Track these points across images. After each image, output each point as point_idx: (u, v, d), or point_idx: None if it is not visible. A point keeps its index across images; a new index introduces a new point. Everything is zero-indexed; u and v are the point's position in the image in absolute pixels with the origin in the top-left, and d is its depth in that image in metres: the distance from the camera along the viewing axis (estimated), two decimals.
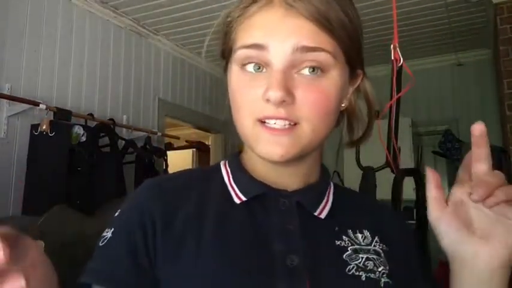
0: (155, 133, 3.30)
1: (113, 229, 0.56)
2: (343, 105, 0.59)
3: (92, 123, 2.68)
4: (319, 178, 0.62)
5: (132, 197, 0.59)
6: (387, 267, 0.56)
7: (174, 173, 0.64)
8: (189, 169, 0.66)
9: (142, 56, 3.41)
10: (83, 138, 2.50)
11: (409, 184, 2.43)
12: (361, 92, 0.62)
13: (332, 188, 0.64)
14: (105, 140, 2.73)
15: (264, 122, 0.52)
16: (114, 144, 2.75)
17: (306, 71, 0.52)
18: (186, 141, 5.15)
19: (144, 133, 3.17)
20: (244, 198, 0.57)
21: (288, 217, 0.56)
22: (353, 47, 0.55)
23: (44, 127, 2.34)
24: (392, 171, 1.62)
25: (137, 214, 0.55)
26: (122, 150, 2.86)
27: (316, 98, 0.51)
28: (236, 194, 0.58)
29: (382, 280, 0.55)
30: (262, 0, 0.53)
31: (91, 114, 2.77)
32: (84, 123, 2.62)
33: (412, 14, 3.13)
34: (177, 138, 3.99)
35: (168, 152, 3.46)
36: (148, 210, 0.55)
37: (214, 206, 0.57)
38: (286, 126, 0.52)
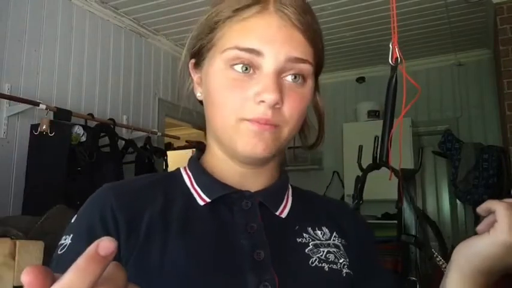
0: (155, 133, 3.30)
1: (71, 235, 0.54)
2: None
3: (92, 123, 2.69)
4: (278, 180, 0.64)
5: (90, 202, 0.57)
6: (347, 259, 0.60)
7: (131, 178, 0.64)
8: (147, 174, 0.65)
9: (142, 56, 3.41)
10: (83, 138, 2.50)
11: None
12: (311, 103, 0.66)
13: (290, 190, 0.67)
14: (105, 140, 2.74)
15: (249, 121, 0.54)
16: (114, 144, 2.75)
17: (290, 78, 0.56)
18: (186, 141, 5.14)
19: (144, 133, 3.17)
20: (208, 200, 0.58)
21: (251, 216, 0.58)
22: (322, 60, 0.60)
23: (44, 127, 2.34)
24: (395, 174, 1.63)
25: (98, 218, 0.54)
26: (122, 150, 2.86)
27: (298, 104, 0.56)
28: (200, 196, 0.59)
29: (344, 271, 0.59)
30: (257, 6, 0.55)
31: (91, 114, 2.77)
32: (84, 123, 2.62)
33: (412, 14, 3.13)
34: (177, 138, 3.99)
35: (168, 152, 3.46)
36: (111, 213, 0.54)
37: (179, 209, 0.57)
38: (271, 124, 0.54)
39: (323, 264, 0.57)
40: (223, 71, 0.56)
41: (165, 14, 3.14)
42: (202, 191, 0.59)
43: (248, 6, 0.55)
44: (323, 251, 0.59)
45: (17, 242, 1.56)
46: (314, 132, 0.67)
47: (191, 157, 0.65)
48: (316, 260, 0.58)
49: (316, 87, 0.64)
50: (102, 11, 3.04)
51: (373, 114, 3.89)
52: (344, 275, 0.58)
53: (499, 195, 3.20)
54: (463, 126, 3.92)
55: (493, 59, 3.63)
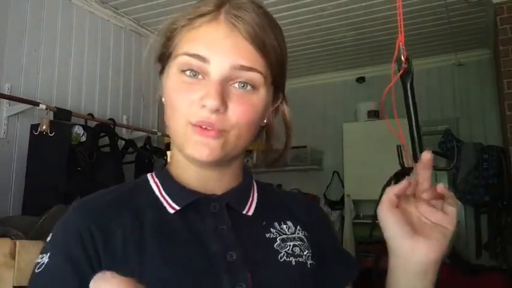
0: (155, 133, 3.30)
1: (49, 253, 0.55)
2: (264, 121, 0.66)
3: (92, 123, 2.68)
4: (243, 179, 0.68)
5: (63, 219, 0.59)
6: (310, 251, 0.65)
7: (102, 191, 0.64)
8: (117, 186, 0.66)
9: (142, 56, 3.41)
10: (83, 138, 2.50)
11: None
12: (279, 113, 0.69)
13: (255, 186, 0.70)
14: (105, 140, 2.74)
15: (193, 125, 0.57)
16: (114, 144, 2.75)
17: (238, 85, 0.58)
18: None
19: (144, 133, 3.17)
20: (177, 208, 0.60)
21: (220, 219, 0.61)
22: (279, 72, 0.63)
23: (44, 127, 2.34)
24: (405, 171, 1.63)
25: (74, 235, 0.56)
26: (122, 150, 2.86)
27: (245, 110, 0.58)
28: (169, 204, 0.61)
29: (308, 262, 0.64)
30: (209, 16, 0.58)
31: (91, 114, 2.77)
32: (84, 123, 2.62)
33: (412, 14, 3.13)
34: None
35: (168, 152, 3.45)
36: (86, 229, 0.56)
37: (150, 219, 0.59)
38: (215, 129, 0.56)
39: (290, 259, 0.62)
40: (176, 75, 0.59)
41: (165, 14, 3.13)
42: (171, 198, 0.61)
43: (201, 15, 0.59)
44: (290, 245, 0.63)
45: (17, 242, 1.56)
46: (281, 145, 0.69)
47: (158, 166, 0.68)
48: (284, 254, 0.62)
49: (278, 98, 0.66)
50: (102, 11, 3.04)
51: (373, 114, 3.89)
52: (309, 266, 0.63)
53: (499, 195, 3.21)
54: (463, 126, 3.92)
55: (493, 59, 3.63)
